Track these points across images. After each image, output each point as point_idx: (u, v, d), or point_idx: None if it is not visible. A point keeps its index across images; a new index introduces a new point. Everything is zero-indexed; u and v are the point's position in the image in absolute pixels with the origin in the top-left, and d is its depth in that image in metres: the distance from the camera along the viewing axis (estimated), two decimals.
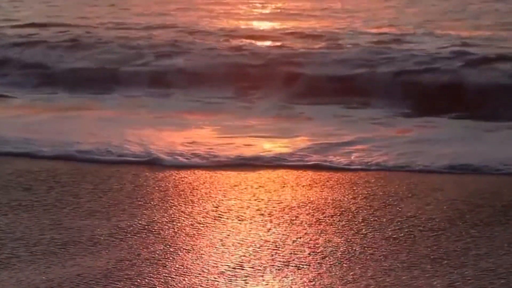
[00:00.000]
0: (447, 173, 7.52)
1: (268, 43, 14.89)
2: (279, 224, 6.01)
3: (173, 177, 7.38)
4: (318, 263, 5.24)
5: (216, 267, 5.17)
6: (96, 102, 11.62)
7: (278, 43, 14.69)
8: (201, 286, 4.88)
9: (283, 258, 5.32)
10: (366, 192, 6.84)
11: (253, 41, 15.07)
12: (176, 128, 9.51)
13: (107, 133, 9.05)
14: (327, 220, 6.10)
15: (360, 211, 6.32)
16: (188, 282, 4.94)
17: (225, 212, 6.30)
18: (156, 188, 7.01)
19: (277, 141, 8.82)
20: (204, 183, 7.18)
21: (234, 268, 5.15)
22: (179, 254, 5.39)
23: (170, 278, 4.98)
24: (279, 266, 5.18)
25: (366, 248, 5.49)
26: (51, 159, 8.06)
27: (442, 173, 7.52)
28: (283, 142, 8.74)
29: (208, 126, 9.64)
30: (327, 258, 5.32)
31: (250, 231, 5.87)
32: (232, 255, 5.37)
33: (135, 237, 5.73)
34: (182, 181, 7.24)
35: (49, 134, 8.99)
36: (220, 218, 6.15)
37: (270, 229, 5.90)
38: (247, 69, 12.71)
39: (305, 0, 24.63)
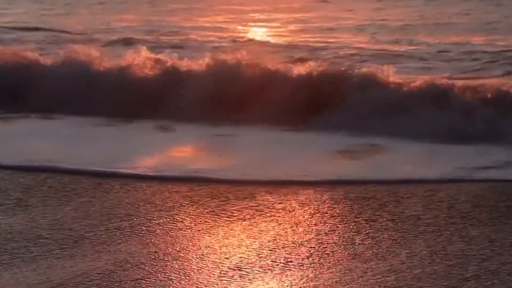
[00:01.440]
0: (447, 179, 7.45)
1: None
2: (279, 224, 6.01)
3: (174, 178, 7.38)
4: (318, 263, 5.24)
5: (216, 267, 5.17)
6: None
7: None
8: (201, 286, 4.88)
9: (283, 258, 5.32)
10: (366, 193, 6.84)
11: None
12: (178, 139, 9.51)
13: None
14: (327, 220, 6.10)
15: (361, 211, 6.32)
16: (188, 282, 4.94)
17: (225, 213, 6.29)
18: (157, 189, 7.01)
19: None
20: (203, 185, 7.18)
21: (234, 268, 5.15)
22: (179, 254, 5.39)
23: (170, 278, 4.97)
24: (279, 266, 5.18)
25: (366, 248, 5.49)
26: None
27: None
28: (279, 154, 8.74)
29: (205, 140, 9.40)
30: (327, 258, 5.31)
31: (250, 231, 5.87)
32: (232, 255, 5.37)
33: (135, 237, 5.73)
34: (183, 182, 7.24)
35: None
36: (220, 219, 6.15)
37: (270, 229, 5.90)
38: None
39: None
